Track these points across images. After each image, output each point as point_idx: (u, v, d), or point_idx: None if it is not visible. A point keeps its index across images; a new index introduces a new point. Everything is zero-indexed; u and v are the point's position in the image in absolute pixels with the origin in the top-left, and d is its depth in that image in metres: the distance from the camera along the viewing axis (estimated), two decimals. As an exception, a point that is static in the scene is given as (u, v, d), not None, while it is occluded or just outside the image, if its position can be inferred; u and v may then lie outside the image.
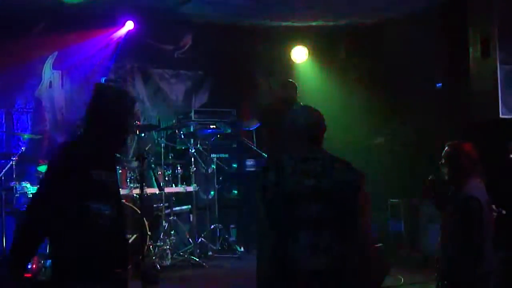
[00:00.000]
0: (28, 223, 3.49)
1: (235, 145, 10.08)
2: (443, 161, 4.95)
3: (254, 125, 9.42)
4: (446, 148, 4.96)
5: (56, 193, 3.46)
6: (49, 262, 7.90)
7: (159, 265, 7.92)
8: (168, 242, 8.21)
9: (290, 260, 3.43)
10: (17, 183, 7.85)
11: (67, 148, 3.69)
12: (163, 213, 8.47)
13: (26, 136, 8.67)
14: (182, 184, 8.78)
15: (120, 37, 9.87)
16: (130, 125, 3.88)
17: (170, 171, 8.74)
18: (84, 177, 3.49)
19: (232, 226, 9.72)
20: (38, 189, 3.90)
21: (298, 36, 10.81)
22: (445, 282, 4.85)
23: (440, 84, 9.35)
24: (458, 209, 4.74)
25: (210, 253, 8.87)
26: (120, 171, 8.15)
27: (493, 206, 4.91)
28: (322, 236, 3.43)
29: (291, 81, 9.33)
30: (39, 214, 3.45)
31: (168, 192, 8.55)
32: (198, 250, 8.58)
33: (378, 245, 6.98)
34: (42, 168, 7.85)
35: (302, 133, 3.63)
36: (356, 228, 3.52)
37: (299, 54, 10.85)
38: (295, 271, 3.43)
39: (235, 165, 9.93)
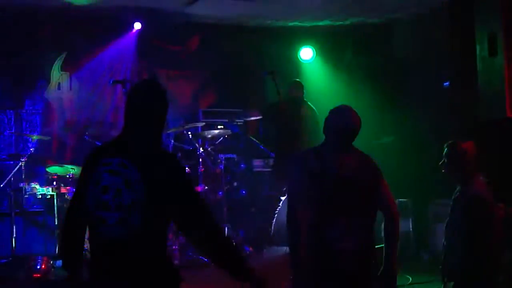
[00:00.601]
0: None
1: (242, 146, 10.11)
2: (446, 161, 4.94)
3: (257, 116, 9.47)
4: (449, 148, 4.95)
5: None
6: (58, 262, 7.95)
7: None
8: (177, 243, 8.23)
9: (327, 241, 3.92)
10: (26, 184, 7.89)
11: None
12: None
13: (35, 137, 8.71)
14: (190, 184, 8.80)
15: (127, 38, 9.91)
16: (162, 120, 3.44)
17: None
18: None
19: (240, 226, 9.73)
20: None
21: (305, 36, 10.83)
22: (452, 282, 4.86)
23: (447, 83, 9.34)
24: (465, 208, 4.74)
25: (218, 253, 8.86)
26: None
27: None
28: (354, 220, 3.95)
29: (298, 81, 9.36)
30: None
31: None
32: (206, 250, 8.57)
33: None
34: (51, 169, 7.89)
35: (335, 132, 4.09)
36: (384, 210, 4.14)
37: (306, 54, 10.87)
38: (330, 251, 3.92)
39: (243, 166, 9.94)
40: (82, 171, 3.44)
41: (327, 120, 4.15)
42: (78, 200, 3.43)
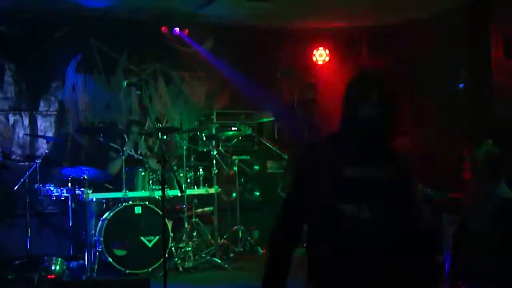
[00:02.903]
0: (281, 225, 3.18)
1: (256, 147, 10.13)
2: (472, 166, 4.88)
3: (271, 118, 9.53)
4: (475, 152, 4.89)
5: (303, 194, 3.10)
6: (72, 263, 7.99)
7: (181, 267, 7.96)
8: (191, 244, 8.25)
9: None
10: (41, 185, 7.92)
11: (310, 146, 3.31)
12: (185, 215, 8.51)
13: (49, 139, 8.72)
14: (204, 186, 8.81)
15: (142, 40, 9.92)
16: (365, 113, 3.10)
17: (192, 173, 8.77)
18: (331, 175, 3.03)
19: (254, 227, 9.73)
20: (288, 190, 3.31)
21: (320, 37, 10.80)
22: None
23: (462, 85, 9.29)
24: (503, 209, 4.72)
25: (232, 254, 8.89)
26: (142, 173, 8.22)
27: None
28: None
29: (311, 82, 9.36)
30: (292, 215, 3.16)
31: (190, 194, 8.59)
32: (220, 252, 8.59)
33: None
34: (66, 171, 7.91)
35: None
36: None
37: (321, 55, 10.84)
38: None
39: (256, 167, 9.95)
40: None
41: None
42: None
